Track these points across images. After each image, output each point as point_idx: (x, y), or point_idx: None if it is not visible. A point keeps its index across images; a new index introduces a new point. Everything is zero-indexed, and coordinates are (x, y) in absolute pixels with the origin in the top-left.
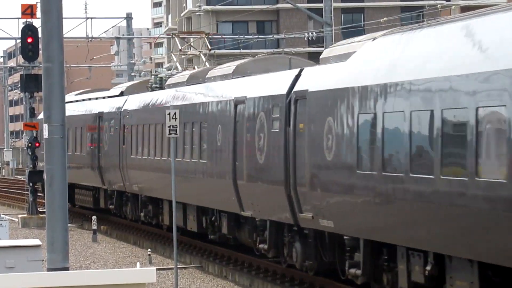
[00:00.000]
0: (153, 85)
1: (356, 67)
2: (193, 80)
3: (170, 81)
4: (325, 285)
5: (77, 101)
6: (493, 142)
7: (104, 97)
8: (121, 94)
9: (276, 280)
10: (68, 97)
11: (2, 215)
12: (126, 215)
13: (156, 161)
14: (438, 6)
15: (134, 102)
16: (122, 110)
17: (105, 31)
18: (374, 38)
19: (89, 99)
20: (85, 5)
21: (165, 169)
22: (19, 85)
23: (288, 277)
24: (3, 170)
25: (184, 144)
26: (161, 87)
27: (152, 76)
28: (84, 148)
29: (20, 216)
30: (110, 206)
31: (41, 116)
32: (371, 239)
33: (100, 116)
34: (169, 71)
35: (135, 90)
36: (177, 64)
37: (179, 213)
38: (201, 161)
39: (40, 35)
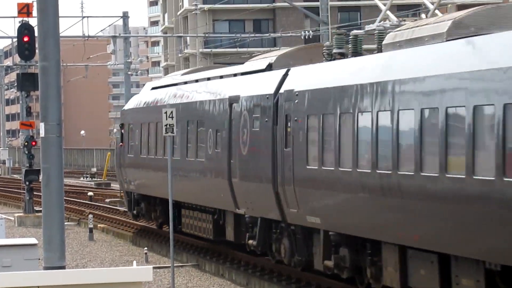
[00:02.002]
0: (335, 51)
1: None
2: (461, 29)
3: (392, 38)
4: (321, 283)
5: (185, 83)
6: None
7: (235, 74)
8: (269, 67)
9: (273, 278)
10: (170, 79)
11: None
12: (281, 259)
13: (382, 178)
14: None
15: (309, 78)
16: (281, 91)
17: (102, 30)
18: None
19: (208, 78)
20: (82, 4)
21: (408, 192)
22: (15, 84)
23: (284, 275)
24: (0, 169)
25: (473, 148)
26: (356, 53)
27: (334, 38)
28: (203, 151)
29: (16, 215)
30: (250, 242)
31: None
32: None
33: (232, 102)
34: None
35: (290, 62)
36: (389, 13)
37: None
38: None
39: (36, 34)
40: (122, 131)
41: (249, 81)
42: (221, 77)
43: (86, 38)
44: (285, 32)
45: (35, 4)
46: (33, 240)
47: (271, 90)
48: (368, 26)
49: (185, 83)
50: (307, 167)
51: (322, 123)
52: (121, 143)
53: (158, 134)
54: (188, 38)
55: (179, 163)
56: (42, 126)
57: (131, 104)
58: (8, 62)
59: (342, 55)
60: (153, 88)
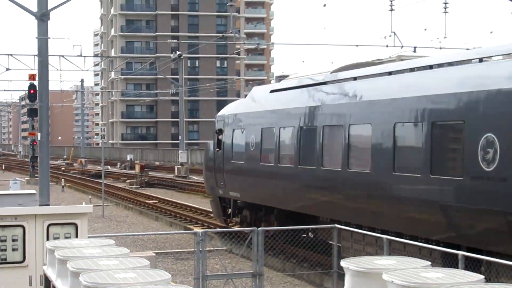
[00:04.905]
0: None
1: None
2: None
3: None
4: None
5: (355, 78)
6: None
7: None
8: None
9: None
10: (296, 81)
11: (17, 178)
12: None
13: None
14: (235, 79)
15: None
16: None
17: (70, 87)
18: None
19: (430, 67)
20: (60, 75)
21: None
22: (27, 113)
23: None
24: (18, 156)
25: None
26: None
27: None
28: (448, 165)
29: (25, 178)
30: None
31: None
32: None
33: None
34: None
35: None
36: None
37: None
38: None
39: (37, 88)
40: (219, 137)
41: None
42: (481, 60)
43: (62, 91)
44: (162, 91)
45: (37, 74)
46: (33, 191)
47: None
48: None
49: (355, 79)
50: None
51: None
52: (217, 149)
53: (301, 140)
54: (113, 92)
55: (366, 177)
56: (38, 135)
57: (232, 109)
58: (23, 102)
59: None
60: (273, 91)
